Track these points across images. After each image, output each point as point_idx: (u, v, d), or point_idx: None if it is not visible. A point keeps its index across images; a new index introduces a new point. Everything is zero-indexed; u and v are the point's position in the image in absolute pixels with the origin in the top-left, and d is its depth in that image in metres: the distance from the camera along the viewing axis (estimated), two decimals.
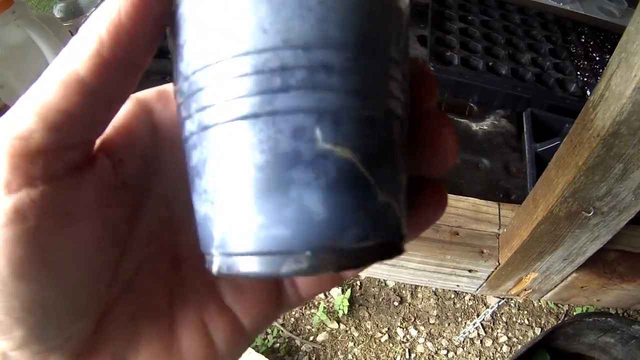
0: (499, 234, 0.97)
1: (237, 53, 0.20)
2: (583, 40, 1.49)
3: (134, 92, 0.25)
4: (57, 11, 1.39)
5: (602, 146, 0.63)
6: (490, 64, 1.27)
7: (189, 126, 0.22)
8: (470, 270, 0.99)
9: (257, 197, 0.20)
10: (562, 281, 1.01)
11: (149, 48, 0.22)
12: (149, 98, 0.28)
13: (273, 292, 0.30)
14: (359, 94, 0.20)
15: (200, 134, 0.21)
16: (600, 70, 1.36)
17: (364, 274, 1.42)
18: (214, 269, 0.22)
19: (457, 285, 1.08)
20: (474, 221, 0.98)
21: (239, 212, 0.20)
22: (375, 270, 1.08)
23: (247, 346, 0.30)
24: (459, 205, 0.99)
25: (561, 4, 1.63)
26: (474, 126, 1.22)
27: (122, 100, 0.23)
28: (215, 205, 0.21)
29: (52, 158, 0.21)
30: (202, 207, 0.22)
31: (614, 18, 1.60)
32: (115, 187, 0.25)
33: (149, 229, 0.28)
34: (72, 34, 1.27)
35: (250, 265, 0.20)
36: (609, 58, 0.62)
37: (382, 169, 0.21)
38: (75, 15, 1.39)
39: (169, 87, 0.28)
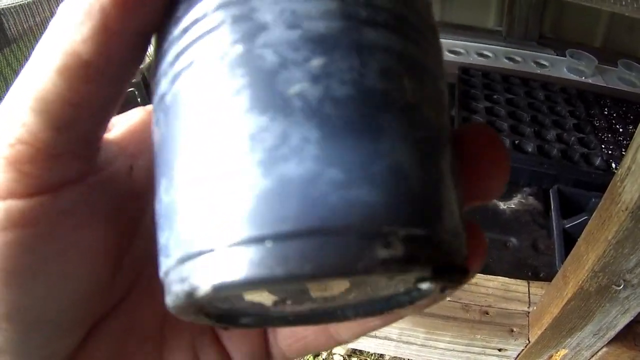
0: (529, 312, 1.01)
1: None
2: (606, 112, 1.55)
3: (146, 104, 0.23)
4: None
5: (631, 219, 0.66)
6: (516, 142, 1.34)
7: (189, 68, 0.16)
8: (500, 350, 1.02)
9: (329, 142, 0.14)
10: (592, 356, 1.03)
11: (157, 9, 0.18)
12: None
13: (260, 335, 0.28)
14: (438, 64, 0.18)
15: (216, 63, 0.16)
16: (624, 142, 1.41)
17: (387, 354, 1.43)
18: (206, 282, 0.15)
19: None
20: (504, 300, 1.02)
21: (290, 164, 0.14)
22: (404, 351, 1.11)
23: None
24: (488, 284, 1.04)
25: (583, 77, 1.70)
26: (502, 205, 1.28)
27: (131, 78, 0.19)
28: (230, 167, 0.15)
29: (60, 162, 0.18)
30: (193, 180, 0.16)
31: (636, 88, 1.66)
32: (123, 195, 0.23)
33: (145, 248, 0.25)
34: None
35: (296, 258, 0.14)
36: (632, 128, 0.66)
37: (453, 160, 0.18)
38: None
39: None
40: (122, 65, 0.18)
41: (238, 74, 0.15)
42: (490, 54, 1.79)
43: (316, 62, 0.15)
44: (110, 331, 0.24)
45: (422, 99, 0.16)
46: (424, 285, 0.17)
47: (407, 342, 1.06)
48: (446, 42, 1.83)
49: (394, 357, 1.48)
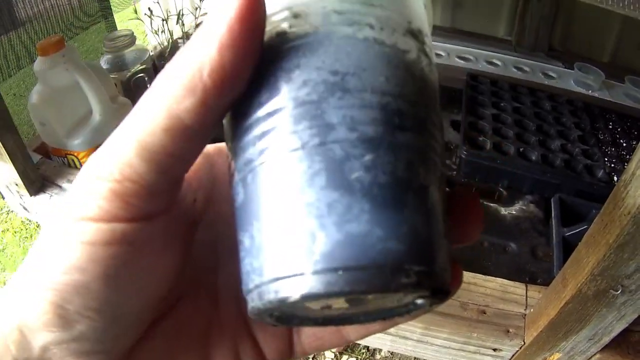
0: (525, 314, 1.02)
1: (364, 89, 0.23)
2: (610, 126, 1.56)
3: None
4: (104, 62, 1.48)
5: (633, 224, 0.67)
6: (521, 149, 1.36)
7: (274, 151, 0.23)
8: (495, 350, 1.03)
9: (375, 212, 0.21)
10: None
11: (243, 91, 0.23)
12: (211, 152, 0.32)
13: (287, 333, 0.33)
14: (438, 152, 0.25)
15: (299, 152, 0.23)
16: (627, 157, 1.42)
17: (384, 348, 1.43)
18: (299, 291, 0.22)
19: None
20: (502, 301, 1.03)
21: (353, 225, 0.21)
22: (400, 346, 1.11)
23: None
24: (487, 285, 1.05)
25: (590, 91, 1.71)
26: (503, 210, 1.29)
27: (210, 139, 0.25)
28: (311, 223, 0.22)
29: (156, 197, 0.23)
30: (281, 231, 0.23)
31: None
32: (190, 223, 0.29)
33: (195, 268, 0.31)
34: (117, 86, 1.35)
35: (357, 280, 0.21)
36: (635, 144, 0.67)
37: (446, 220, 0.24)
38: (121, 68, 1.47)
39: (222, 145, 0.31)
40: (210, 129, 0.23)
41: (317, 160, 0.22)
42: (499, 63, 1.81)
43: (368, 157, 0.22)
44: (164, 331, 0.30)
45: (430, 181, 0.23)
46: (420, 301, 0.25)
47: (403, 337, 1.06)
48: (456, 48, 1.85)
49: (389, 352, 1.49)
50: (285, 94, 0.23)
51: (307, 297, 0.22)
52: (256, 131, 0.24)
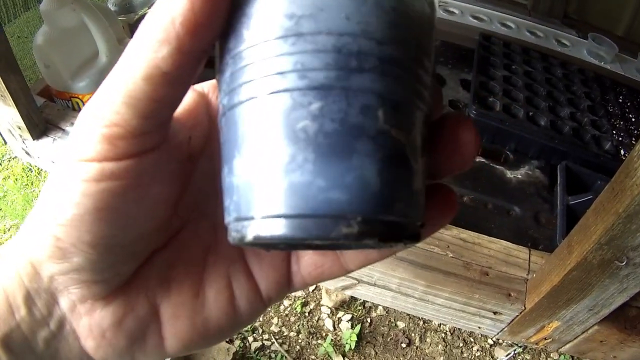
0: (527, 279, 1.02)
1: (319, 31, 0.22)
2: (621, 100, 1.56)
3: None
4: (112, 4, 1.46)
5: None
6: (530, 113, 1.35)
7: (239, 96, 0.24)
8: (495, 313, 1.03)
9: (319, 161, 0.22)
10: (582, 333, 1.05)
11: (217, 35, 0.25)
12: (206, 90, 0.33)
13: (285, 264, 0.34)
14: (414, 90, 0.24)
15: (254, 101, 0.23)
16: (635, 131, 1.42)
17: (384, 304, 1.44)
18: (251, 234, 0.23)
19: (479, 327, 1.13)
20: (504, 264, 1.03)
21: (296, 174, 0.22)
22: (400, 303, 1.12)
23: (261, 312, 0.35)
24: (491, 246, 1.05)
25: (602, 62, 1.70)
26: (508, 174, 1.29)
27: (194, 81, 0.26)
28: (262, 170, 0.23)
29: (142, 138, 0.25)
30: (243, 173, 0.24)
31: None
32: (184, 160, 0.30)
33: (195, 198, 0.32)
34: (124, 28, 1.33)
35: (298, 228, 0.22)
36: None
37: (421, 159, 0.24)
38: (129, 10, 1.46)
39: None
40: (190, 73, 0.24)
41: (267, 110, 0.23)
42: (512, 25, 1.78)
43: (315, 106, 0.22)
44: (163, 260, 0.31)
45: (392, 124, 0.23)
46: (385, 243, 0.24)
47: (405, 294, 1.07)
48: (470, 7, 1.83)
49: (387, 308, 1.50)
50: (246, 41, 0.24)
51: (258, 240, 0.23)
52: (226, 75, 0.25)
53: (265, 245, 0.27)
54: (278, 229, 0.23)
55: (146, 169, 0.26)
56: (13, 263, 0.27)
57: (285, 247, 0.29)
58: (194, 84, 0.28)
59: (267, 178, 0.23)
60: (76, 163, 0.25)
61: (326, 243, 0.25)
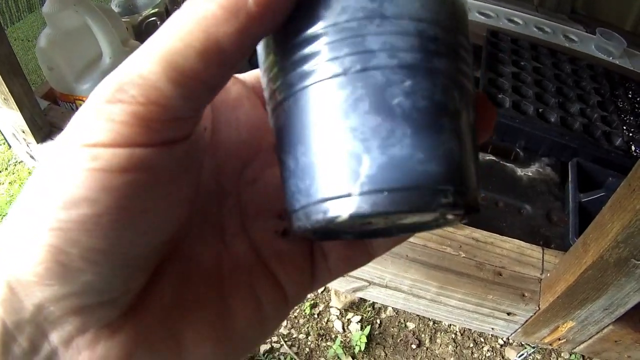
0: (541, 279, 1.01)
1: (402, 15, 0.23)
2: (630, 95, 1.55)
3: None
4: (115, 5, 1.45)
5: None
6: (540, 110, 1.34)
7: (315, 75, 0.24)
8: (509, 313, 1.02)
9: (416, 135, 0.23)
10: (597, 332, 1.04)
11: (284, 19, 0.23)
12: None
13: (308, 262, 0.31)
14: (467, 74, 0.25)
15: (340, 78, 0.23)
16: None
17: (395, 307, 1.43)
18: (347, 211, 0.23)
19: (492, 329, 1.11)
20: (518, 263, 1.02)
21: (396, 148, 0.22)
22: (412, 305, 1.11)
23: (287, 314, 0.31)
24: (503, 246, 1.04)
25: (611, 58, 1.69)
26: (519, 171, 1.28)
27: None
28: (355, 145, 0.23)
29: (180, 123, 0.22)
30: (327, 152, 0.23)
31: None
32: (201, 152, 0.27)
33: (199, 201, 0.28)
34: (128, 30, 1.32)
35: (401, 201, 0.23)
36: None
37: (476, 142, 0.26)
38: (132, 12, 1.45)
39: None
40: (244, 57, 0.22)
41: (359, 86, 0.23)
42: (520, 21, 1.77)
43: (408, 83, 0.23)
44: (174, 273, 0.27)
45: (462, 105, 0.24)
46: (450, 217, 0.26)
47: (417, 296, 1.06)
48: (477, 3, 1.82)
49: (397, 309, 1.49)
50: (325, 21, 0.24)
51: (355, 217, 0.23)
52: (296, 56, 0.24)
53: (352, 226, 0.27)
54: (380, 203, 0.23)
55: (176, 161, 0.23)
56: None
57: (356, 234, 0.29)
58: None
59: (362, 153, 0.23)
60: (89, 149, 0.20)
61: (411, 221, 0.26)
